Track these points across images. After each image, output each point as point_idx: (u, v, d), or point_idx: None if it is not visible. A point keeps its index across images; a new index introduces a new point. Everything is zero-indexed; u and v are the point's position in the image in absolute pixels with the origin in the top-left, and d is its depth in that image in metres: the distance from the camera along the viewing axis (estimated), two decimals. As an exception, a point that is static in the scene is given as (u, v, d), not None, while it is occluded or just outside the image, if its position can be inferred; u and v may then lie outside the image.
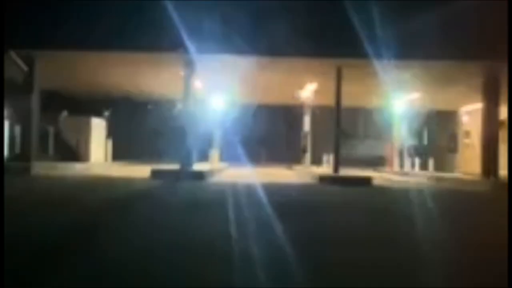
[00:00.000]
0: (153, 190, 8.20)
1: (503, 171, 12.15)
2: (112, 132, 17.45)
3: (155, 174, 10.70)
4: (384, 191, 9.85)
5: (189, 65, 11.26)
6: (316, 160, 16.14)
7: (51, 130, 15.23)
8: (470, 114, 17.49)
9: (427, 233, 4.18)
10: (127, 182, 9.92)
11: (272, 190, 8.45)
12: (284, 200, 6.87)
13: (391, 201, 7.70)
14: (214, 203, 6.26)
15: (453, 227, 4.65)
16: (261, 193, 7.13)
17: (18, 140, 12.25)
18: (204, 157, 14.12)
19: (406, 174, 16.11)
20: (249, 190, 7.90)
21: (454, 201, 7.98)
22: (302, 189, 9.62)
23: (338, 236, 4.03)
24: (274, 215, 4.86)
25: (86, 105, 17.97)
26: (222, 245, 3.34)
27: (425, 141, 20.82)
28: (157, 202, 6.31)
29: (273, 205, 5.55)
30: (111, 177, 10.85)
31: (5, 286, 2.30)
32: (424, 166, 16.88)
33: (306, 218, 5.11)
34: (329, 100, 12.31)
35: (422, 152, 18.53)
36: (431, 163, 16.54)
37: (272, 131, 23.34)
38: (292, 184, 10.68)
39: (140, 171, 12.14)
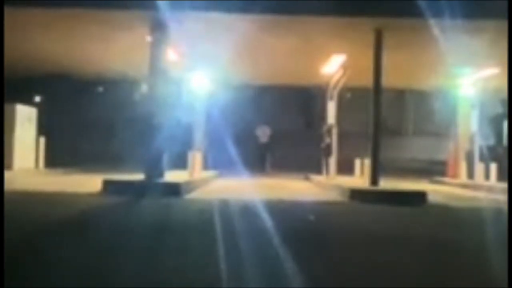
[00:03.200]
0: (99, 216, 8.11)
1: None
2: (46, 127, 17.39)
3: (108, 187, 10.67)
4: (448, 215, 9.78)
5: (159, 27, 11.25)
6: (345, 167, 16.08)
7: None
8: None
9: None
10: (65, 200, 9.82)
11: (279, 213, 8.37)
12: (295, 229, 6.76)
13: (465, 235, 7.54)
14: (190, 242, 6.10)
15: None
16: (261, 219, 7.03)
17: None
18: (181, 162, 14.08)
19: (477, 187, 16.02)
20: (244, 214, 7.81)
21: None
22: (324, 212, 9.53)
23: None
24: (275, 265, 4.67)
25: (8, 86, 17.90)
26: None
27: (505, 140, 20.73)
28: (100, 238, 6.11)
29: (278, 240, 5.44)
30: (43, 193, 10.76)
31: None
32: (504, 176, 16.77)
33: (329, 272, 4.97)
34: (364, 79, 12.29)
35: (500, 156, 18.42)
36: (514, 171, 16.43)
37: (280, 125, 23.25)
38: (311, 203, 10.61)
39: (87, 183, 12.07)
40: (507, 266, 3.30)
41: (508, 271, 3.20)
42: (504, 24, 10.92)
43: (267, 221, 6.81)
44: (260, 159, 21.24)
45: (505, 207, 10.75)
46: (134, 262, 4.57)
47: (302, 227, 7.11)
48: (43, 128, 17.31)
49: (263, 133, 21.61)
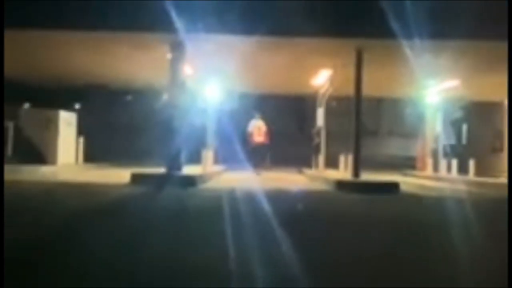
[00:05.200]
0: (130, 202, 8.18)
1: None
2: (84, 128, 17.43)
3: (136, 179, 10.69)
4: (416, 202, 9.81)
5: (177, 47, 11.27)
6: (331, 162, 16.10)
7: (10, 126, 15.21)
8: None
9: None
10: (100, 190, 9.89)
11: (277, 198, 8.44)
12: (290, 211, 6.84)
13: (428, 216, 7.63)
14: (205, 219, 6.21)
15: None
16: (262, 203, 7.09)
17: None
18: (195, 158, 14.08)
19: (441, 178, 16.05)
20: (248, 200, 7.86)
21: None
22: (314, 199, 9.58)
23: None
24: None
25: (53, 96, 17.97)
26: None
27: (464, 139, 20.76)
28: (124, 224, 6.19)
29: (275, 219, 5.51)
30: (83, 184, 10.83)
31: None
32: (463, 170, 16.83)
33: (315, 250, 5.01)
34: (347, 89, 12.30)
35: (460, 153, 18.48)
36: (471, 165, 16.47)
37: (278, 127, 23.24)
38: (303, 192, 10.65)
39: (118, 175, 12.12)
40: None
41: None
42: (463, 44, 10.96)
43: (267, 204, 6.89)
44: (253, 160, 15.14)
45: (463, 195, 10.81)
46: (160, 234, 4.70)
47: (295, 209, 7.19)
48: (81, 130, 17.34)
49: (258, 131, 16.39)
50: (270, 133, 15.15)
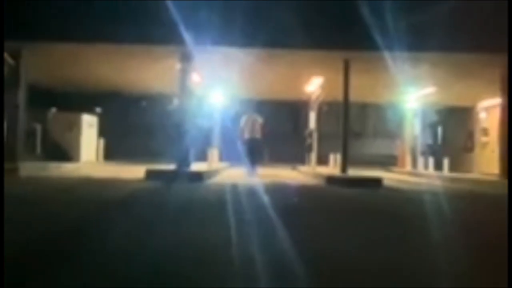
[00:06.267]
0: (146, 194, 8.23)
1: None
2: (104, 130, 17.46)
3: (150, 175, 10.68)
4: (397, 194, 9.85)
5: (186, 57, 11.28)
6: (323, 160, 16.10)
7: (38, 128, 15.26)
8: (488, 110, 17.46)
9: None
10: (119, 184, 9.92)
11: (275, 191, 8.48)
12: (286, 201, 6.88)
13: (407, 206, 7.66)
14: (210, 208, 6.26)
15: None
16: (261, 196, 7.14)
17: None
18: (202, 156, 14.09)
19: (419, 174, 16.09)
20: (249, 194, 7.90)
21: (479, 206, 7.99)
22: (307, 191, 9.61)
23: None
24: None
25: (76, 101, 18.01)
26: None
27: (440, 139, 20.81)
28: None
29: (272, 208, 5.57)
30: (104, 179, 10.85)
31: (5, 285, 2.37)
32: (438, 166, 16.87)
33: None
34: (336, 95, 12.34)
35: (436, 151, 18.53)
36: (446, 163, 16.52)
37: (275, 129, 23.25)
38: (297, 186, 10.68)
39: (134, 171, 12.13)
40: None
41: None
42: (438, 55, 11.01)
43: (265, 196, 6.94)
44: (250, 157, 13.05)
45: (438, 188, 10.83)
46: (171, 220, 4.75)
47: (290, 199, 7.23)
48: (102, 131, 17.38)
49: (252, 127, 13.34)
50: (265, 128, 14.20)
